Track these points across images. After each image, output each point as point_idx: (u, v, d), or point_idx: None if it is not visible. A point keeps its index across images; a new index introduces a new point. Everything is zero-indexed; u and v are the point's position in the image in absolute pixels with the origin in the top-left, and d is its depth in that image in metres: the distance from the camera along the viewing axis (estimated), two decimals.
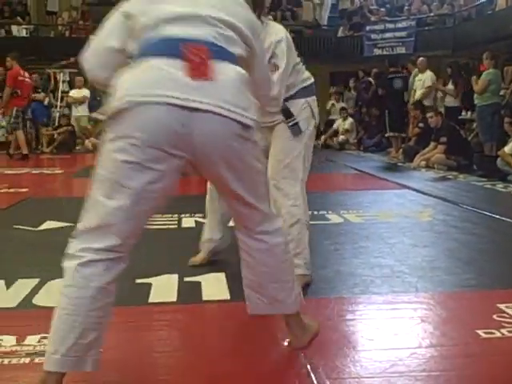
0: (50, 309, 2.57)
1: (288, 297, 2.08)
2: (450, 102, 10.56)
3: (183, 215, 4.80)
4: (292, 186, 2.86)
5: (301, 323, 2.20)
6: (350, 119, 13.46)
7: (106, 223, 1.77)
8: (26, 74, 11.15)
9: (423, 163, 8.76)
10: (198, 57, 1.68)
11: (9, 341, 2.24)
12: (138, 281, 2.98)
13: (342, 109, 13.83)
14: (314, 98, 3.00)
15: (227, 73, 1.73)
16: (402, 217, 4.80)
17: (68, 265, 1.79)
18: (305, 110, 2.93)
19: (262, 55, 2.05)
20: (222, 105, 1.69)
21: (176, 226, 4.46)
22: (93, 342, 1.79)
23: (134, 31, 1.83)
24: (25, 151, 10.74)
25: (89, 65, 2.04)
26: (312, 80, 3.04)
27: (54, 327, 1.80)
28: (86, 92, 13.38)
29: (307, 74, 3.03)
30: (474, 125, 9.80)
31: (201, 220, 4.64)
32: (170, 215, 4.82)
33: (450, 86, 10.50)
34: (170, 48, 1.70)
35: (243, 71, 1.80)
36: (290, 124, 2.87)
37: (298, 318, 2.18)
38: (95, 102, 14.33)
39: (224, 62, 1.74)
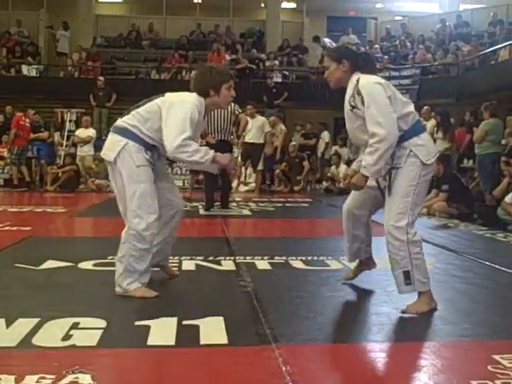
0: (49, 349, 2.62)
1: None
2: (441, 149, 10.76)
3: (183, 258, 4.83)
4: None
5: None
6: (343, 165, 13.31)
7: None
8: (27, 120, 13.38)
9: (425, 210, 8.80)
10: None
11: (8, 380, 2.26)
12: (137, 323, 3.01)
13: (335, 154, 13.82)
14: None
15: None
16: None
17: None
18: None
19: None
20: None
21: (176, 269, 4.48)
22: None
23: None
24: (15, 181, 12.98)
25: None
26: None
27: None
28: (92, 132, 13.58)
29: None
30: (476, 173, 9.87)
31: (201, 263, 4.69)
32: (170, 258, 4.84)
33: (439, 134, 10.66)
34: None
35: None
36: None
37: None
38: (101, 142, 14.53)
39: None
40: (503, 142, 9.73)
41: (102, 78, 15.89)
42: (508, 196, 7.46)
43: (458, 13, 19.23)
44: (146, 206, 3.59)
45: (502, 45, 14.50)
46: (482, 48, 15.81)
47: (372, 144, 3.24)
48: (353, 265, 4.28)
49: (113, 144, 3.66)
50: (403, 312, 3.29)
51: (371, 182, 3.57)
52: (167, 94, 3.77)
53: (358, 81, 3.39)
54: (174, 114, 3.57)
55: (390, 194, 3.38)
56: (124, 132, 3.65)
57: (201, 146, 3.79)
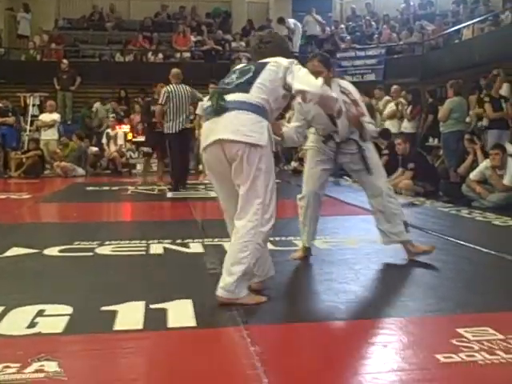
0: (14, 337, 2.58)
1: None
2: (407, 128, 10.90)
3: (151, 241, 4.80)
4: None
5: None
6: None
7: None
8: None
9: (391, 189, 8.88)
10: None
11: None
12: (104, 308, 2.98)
13: None
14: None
15: None
16: (368, 243, 4.85)
17: None
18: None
19: None
20: None
21: (144, 253, 4.45)
22: None
23: None
24: None
25: None
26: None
27: None
28: (55, 116, 13.36)
29: None
30: (441, 151, 9.99)
31: (169, 246, 4.66)
32: (137, 241, 4.82)
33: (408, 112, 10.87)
34: None
35: None
36: None
37: None
38: (65, 126, 14.33)
39: None
40: (467, 120, 9.85)
41: (65, 60, 15.61)
42: (472, 173, 7.57)
43: None
44: (274, 200, 3.18)
45: (465, 24, 14.63)
46: (445, 27, 15.93)
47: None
48: (319, 244, 4.31)
49: (256, 125, 3.08)
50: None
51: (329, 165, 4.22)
52: (272, 60, 3.25)
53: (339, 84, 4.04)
54: (300, 71, 3.20)
55: (371, 169, 4.15)
56: (259, 110, 3.12)
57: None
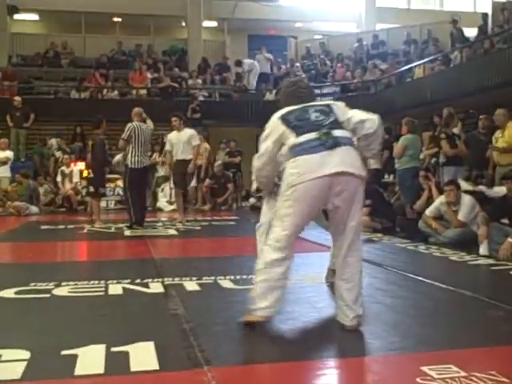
0: None
1: None
2: (372, 164, 10.96)
3: (110, 281, 4.71)
4: None
5: None
6: None
7: None
8: None
9: None
10: None
11: None
12: (64, 352, 2.90)
13: None
14: None
15: None
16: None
17: None
18: None
19: None
20: None
21: (103, 293, 4.36)
22: None
23: None
24: None
25: None
26: None
27: None
28: (9, 153, 13.16)
29: None
30: (396, 187, 10.16)
31: (128, 286, 4.58)
32: (96, 281, 4.73)
33: None
34: None
35: None
36: None
37: None
38: (18, 164, 14.09)
39: None
40: (421, 156, 10.06)
41: (18, 97, 15.41)
42: (428, 209, 7.71)
43: (374, 32, 19.89)
44: None
45: (417, 63, 15.09)
46: (398, 66, 16.39)
47: None
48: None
49: (358, 160, 3.33)
50: None
51: None
52: (328, 102, 3.72)
53: None
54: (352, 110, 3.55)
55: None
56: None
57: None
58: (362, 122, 3.44)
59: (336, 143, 3.23)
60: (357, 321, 3.33)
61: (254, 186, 4.23)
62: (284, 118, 3.41)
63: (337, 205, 3.26)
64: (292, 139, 3.29)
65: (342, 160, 3.20)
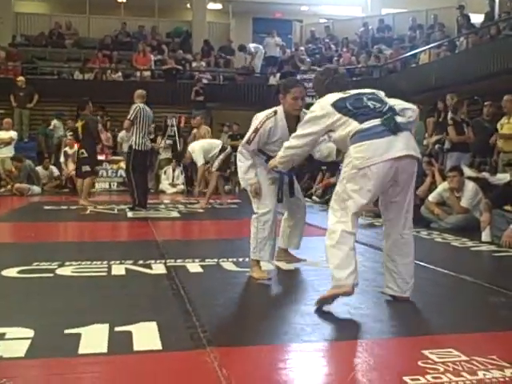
0: None
1: None
2: None
3: (113, 262, 4.73)
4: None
5: None
6: None
7: None
8: None
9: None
10: None
11: None
12: (67, 331, 2.92)
13: None
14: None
15: None
16: None
17: None
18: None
19: None
20: None
21: (106, 274, 4.38)
22: None
23: None
24: None
25: None
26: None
27: None
28: (13, 133, 13.14)
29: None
30: None
31: (131, 267, 4.60)
32: (99, 262, 4.74)
33: None
34: None
35: None
36: None
37: None
38: (21, 144, 14.09)
39: None
40: (424, 142, 10.04)
41: (22, 77, 15.37)
42: (431, 195, 7.70)
43: (380, 17, 19.75)
44: None
45: (422, 49, 14.99)
46: (403, 51, 16.29)
47: None
48: (283, 265, 4.32)
49: (415, 143, 3.58)
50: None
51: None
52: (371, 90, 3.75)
53: None
54: None
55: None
56: None
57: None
58: (404, 109, 3.59)
59: (398, 128, 3.41)
60: (409, 293, 3.64)
61: (217, 163, 4.39)
62: (337, 106, 3.52)
63: (398, 185, 3.48)
64: (354, 125, 3.42)
65: (405, 144, 3.40)
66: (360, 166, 3.35)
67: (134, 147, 8.87)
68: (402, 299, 3.62)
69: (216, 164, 9.89)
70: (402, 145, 3.38)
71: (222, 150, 9.96)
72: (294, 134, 3.75)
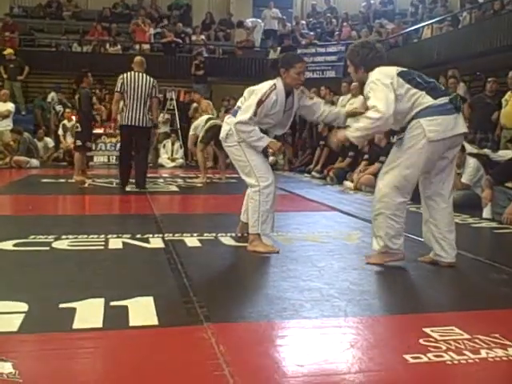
0: None
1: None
2: None
3: (110, 236, 4.68)
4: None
5: None
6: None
7: None
8: None
9: (351, 185, 8.93)
10: None
11: None
12: (62, 305, 2.87)
13: None
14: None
15: None
16: (330, 239, 4.84)
17: None
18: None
19: None
20: None
21: (102, 247, 4.33)
22: None
23: None
24: None
25: None
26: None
27: None
28: (10, 105, 13.01)
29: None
30: None
31: (128, 241, 4.55)
32: (95, 235, 4.69)
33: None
34: None
35: None
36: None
37: None
38: (20, 117, 13.96)
39: None
40: None
41: (10, 49, 15.07)
42: None
43: None
44: None
45: (424, 23, 14.80)
46: (405, 26, 16.09)
47: None
48: (282, 240, 4.26)
49: None
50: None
51: None
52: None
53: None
54: None
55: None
56: None
57: None
58: None
59: (459, 108, 3.76)
60: (455, 258, 3.92)
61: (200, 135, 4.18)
62: (405, 77, 3.76)
63: (447, 158, 3.80)
64: (427, 99, 3.67)
65: (463, 122, 3.78)
66: (434, 138, 3.63)
67: (119, 122, 8.41)
68: (451, 264, 3.88)
69: (200, 136, 9.67)
70: (462, 122, 3.74)
71: (207, 121, 9.67)
72: (377, 103, 3.65)
